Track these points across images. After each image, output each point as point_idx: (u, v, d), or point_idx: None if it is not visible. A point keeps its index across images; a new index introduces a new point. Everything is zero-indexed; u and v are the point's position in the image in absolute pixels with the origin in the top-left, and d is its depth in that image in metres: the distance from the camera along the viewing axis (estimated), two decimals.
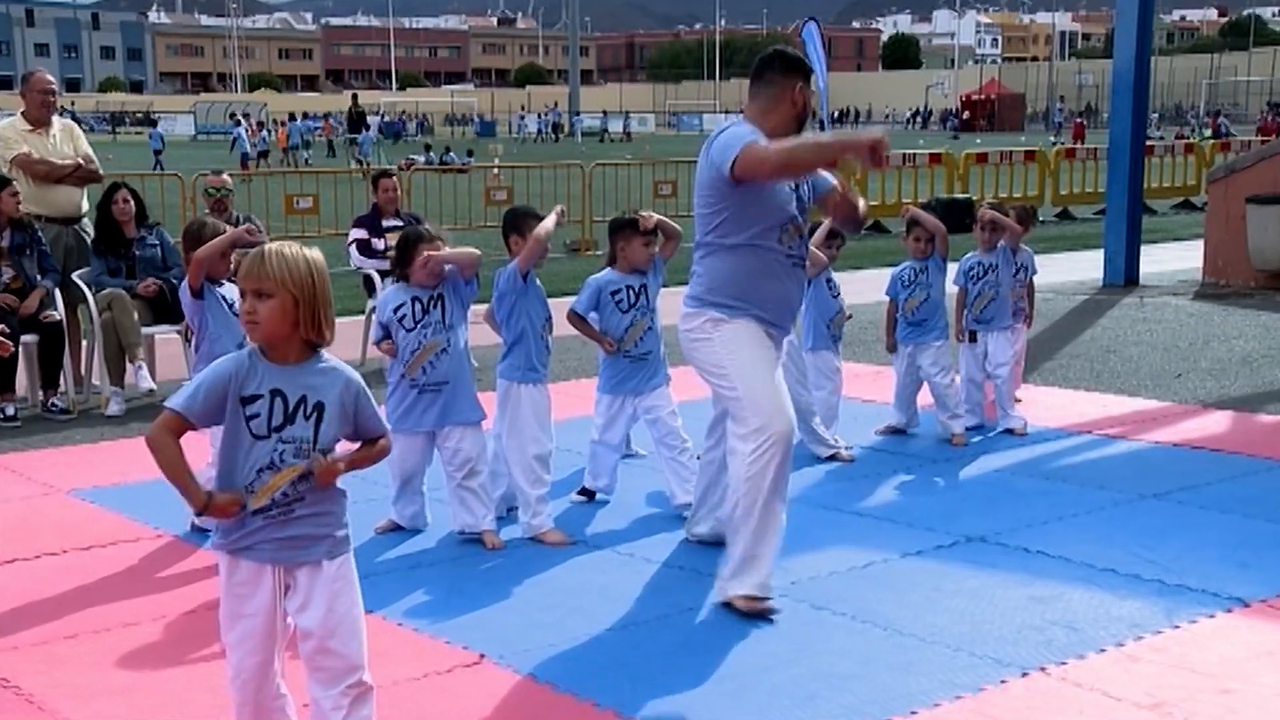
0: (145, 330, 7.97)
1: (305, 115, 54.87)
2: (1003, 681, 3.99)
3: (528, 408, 5.34)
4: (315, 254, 3.14)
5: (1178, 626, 4.38)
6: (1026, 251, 7.42)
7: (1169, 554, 5.02)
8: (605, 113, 73.58)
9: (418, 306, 5.12)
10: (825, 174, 4.71)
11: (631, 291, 5.73)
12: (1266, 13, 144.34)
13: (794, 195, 4.61)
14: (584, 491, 5.94)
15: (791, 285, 4.66)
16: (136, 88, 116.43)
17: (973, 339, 7.09)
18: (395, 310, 5.14)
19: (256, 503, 3.11)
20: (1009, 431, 7.02)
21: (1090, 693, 3.86)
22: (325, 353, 3.20)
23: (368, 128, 42.15)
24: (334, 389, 3.15)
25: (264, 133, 46.97)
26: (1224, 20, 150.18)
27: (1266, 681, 4.01)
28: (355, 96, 49.52)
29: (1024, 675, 4.04)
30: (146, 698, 3.98)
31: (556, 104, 72.99)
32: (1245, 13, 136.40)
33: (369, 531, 5.29)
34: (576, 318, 5.77)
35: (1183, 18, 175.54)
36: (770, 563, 4.50)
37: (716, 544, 4.84)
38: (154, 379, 7.85)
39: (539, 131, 65.21)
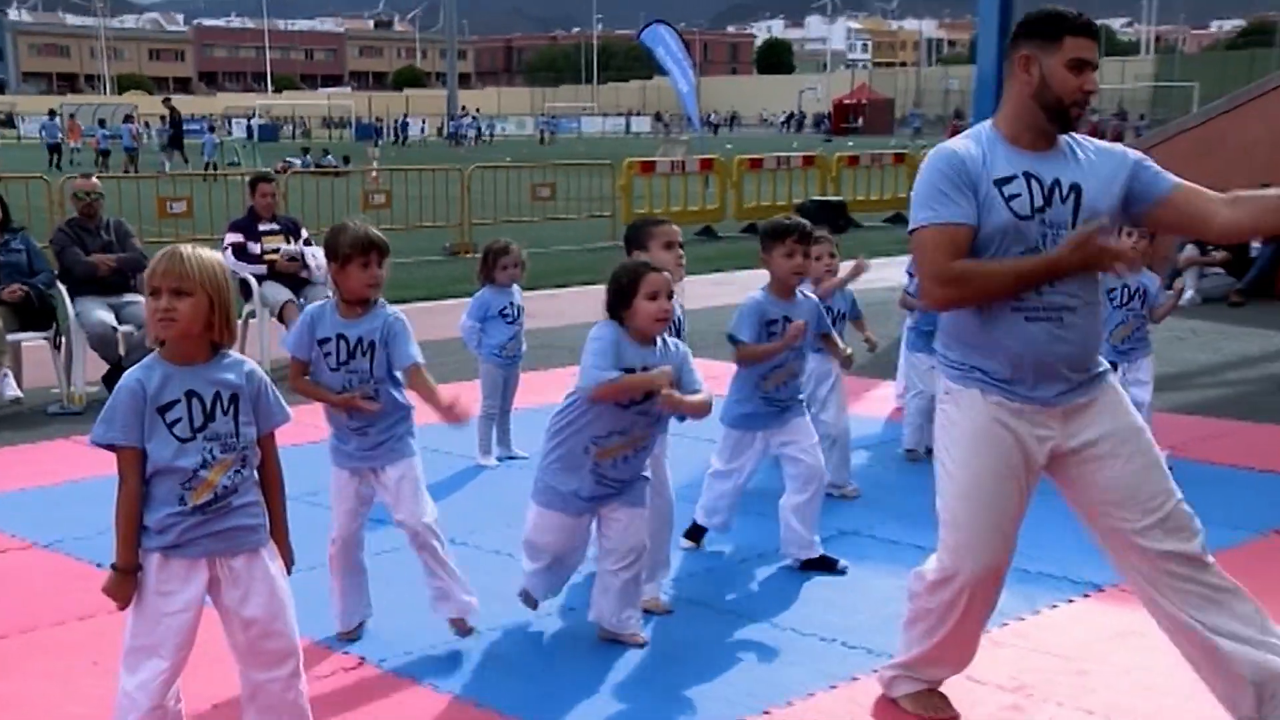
0: (10, 337, 7.82)
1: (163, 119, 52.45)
2: (874, 670, 4.07)
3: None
4: (219, 257, 3.21)
5: (1038, 612, 4.54)
6: None
7: (1030, 543, 5.13)
8: (463, 111, 73.05)
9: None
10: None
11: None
12: (1116, 24, 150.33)
13: None
14: (692, 533, 5.27)
15: None
16: None
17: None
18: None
19: (198, 499, 3.12)
20: None
21: (956, 677, 3.96)
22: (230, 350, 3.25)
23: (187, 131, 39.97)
24: (240, 380, 3.20)
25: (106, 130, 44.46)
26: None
27: (1118, 661, 4.18)
28: (168, 100, 45.20)
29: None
30: (19, 711, 3.89)
31: (464, 110, 71.58)
32: (1101, 21, 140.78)
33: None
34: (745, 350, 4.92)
35: None
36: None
37: None
38: (20, 387, 7.72)
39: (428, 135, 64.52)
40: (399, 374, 4.20)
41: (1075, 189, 3.40)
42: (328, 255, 4.20)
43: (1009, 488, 3.52)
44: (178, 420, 3.12)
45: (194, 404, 3.13)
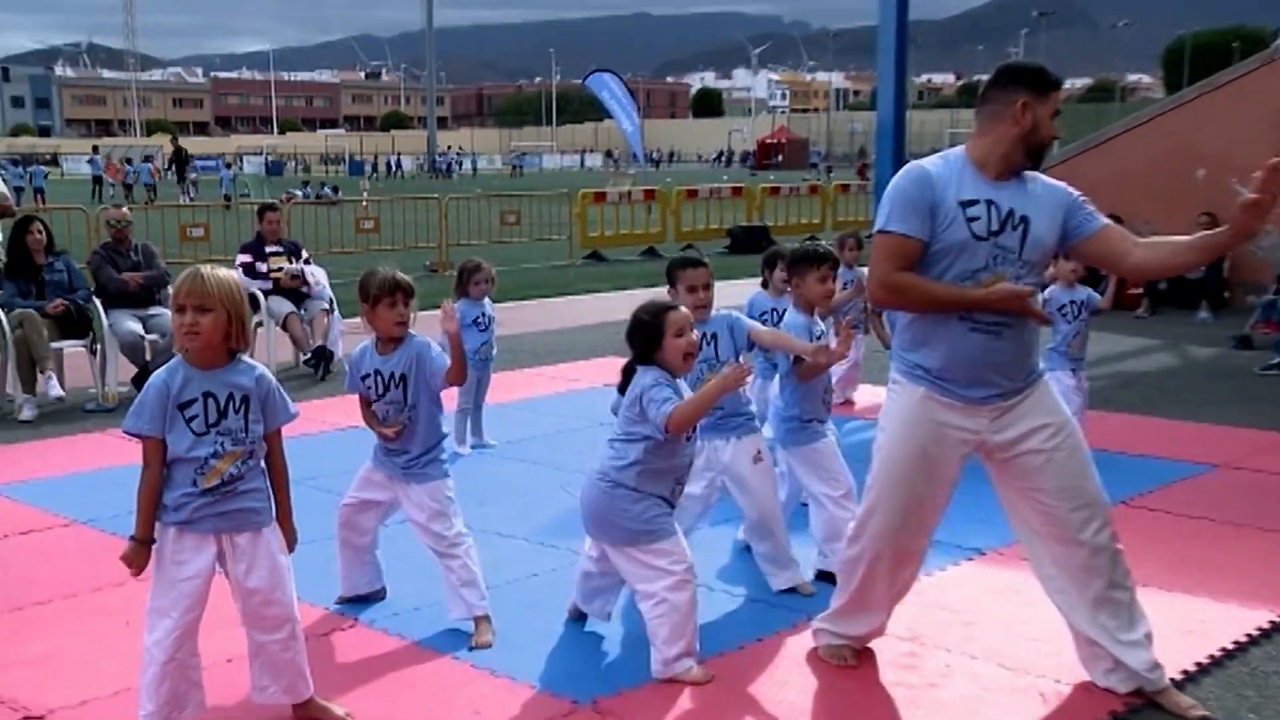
0: (54, 345, 7.88)
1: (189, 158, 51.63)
2: (777, 632, 4.05)
3: None
4: (234, 276, 3.20)
5: (930, 574, 4.51)
6: (860, 271, 7.57)
7: None
8: (448, 149, 72.69)
9: None
10: None
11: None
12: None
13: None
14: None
15: None
16: (45, 132, 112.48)
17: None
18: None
19: (208, 483, 3.12)
20: None
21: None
22: (243, 357, 3.24)
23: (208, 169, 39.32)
24: (251, 384, 3.18)
25: (131, 168, 43.89)
26: (960, 83, 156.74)
27: (998, 614, 4.21)
28: (175, 138, 44.63)
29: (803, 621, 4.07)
30: (63, 665, 3.82)
31: (449, 147, 70.73)
32: (975, 78, 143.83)
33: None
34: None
35: (929, 80, 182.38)
36: None
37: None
38: (62, 387, 7.76)
39: (419, 168, 64.03)
40: (440, 381, 3.98)
41: (1024, 220, 3.38)
42: (360, 296, 4.02)
43: (927, 470, 3.48)
44: (195, 417, 3.11)
45: (209, 403, 3.12)
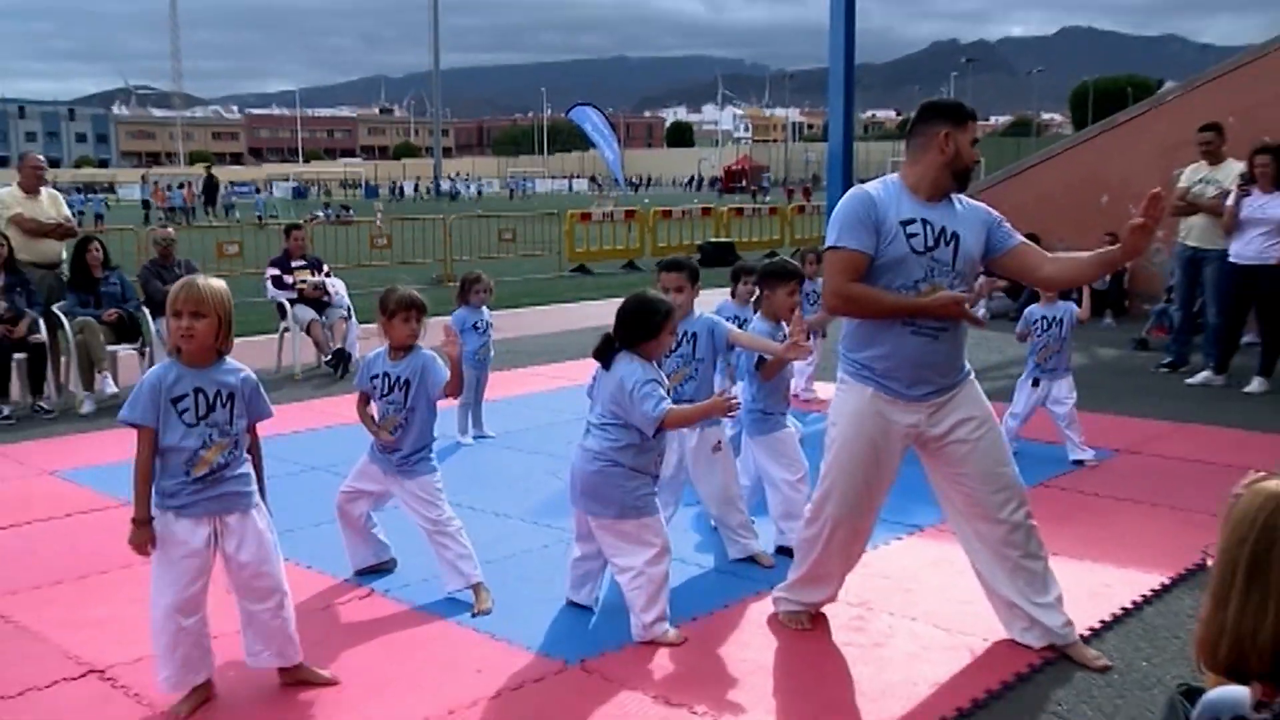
0: (110, 348, 7.96)
1: (227, 185, 51.72)
2: (743, 599, 4.06)
3: None
4: (225, 285, 3.16)
5: (875, 547, 4.50)
6: (819, 281, 7.46)
7: None
8: (454, 176, 72.32)
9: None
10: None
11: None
12: None
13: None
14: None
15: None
16: (103, 164, 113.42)
17: (1035, 384, 6.08)
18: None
19: (198, 472, 3.07)
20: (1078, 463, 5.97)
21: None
22: (228, 357, 3.20)
23: (258, 191, 40.07)
24: (237, 382, 3.15)
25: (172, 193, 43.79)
26: (900, 118, 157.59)
27: (934, 581, 4.22)
28: (209, 167, 45.59)
29: (765, 590, 4.08)
30: (120, 627, 3.81)
31: (457, 174, 70.24)
32: (913, 114, 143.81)
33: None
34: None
35: (873, 116, 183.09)
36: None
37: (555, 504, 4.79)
38: (116, 385, 7.83)
39: (429, 191, 63.64)
40: (439, 392, 3.96)
41: (955, 236, 3.39)
42: (380, 309, 4.02)
43: (875, 460, 3.49)
44: (186, 410, 3.08)
45: (199, 398, 3.09)
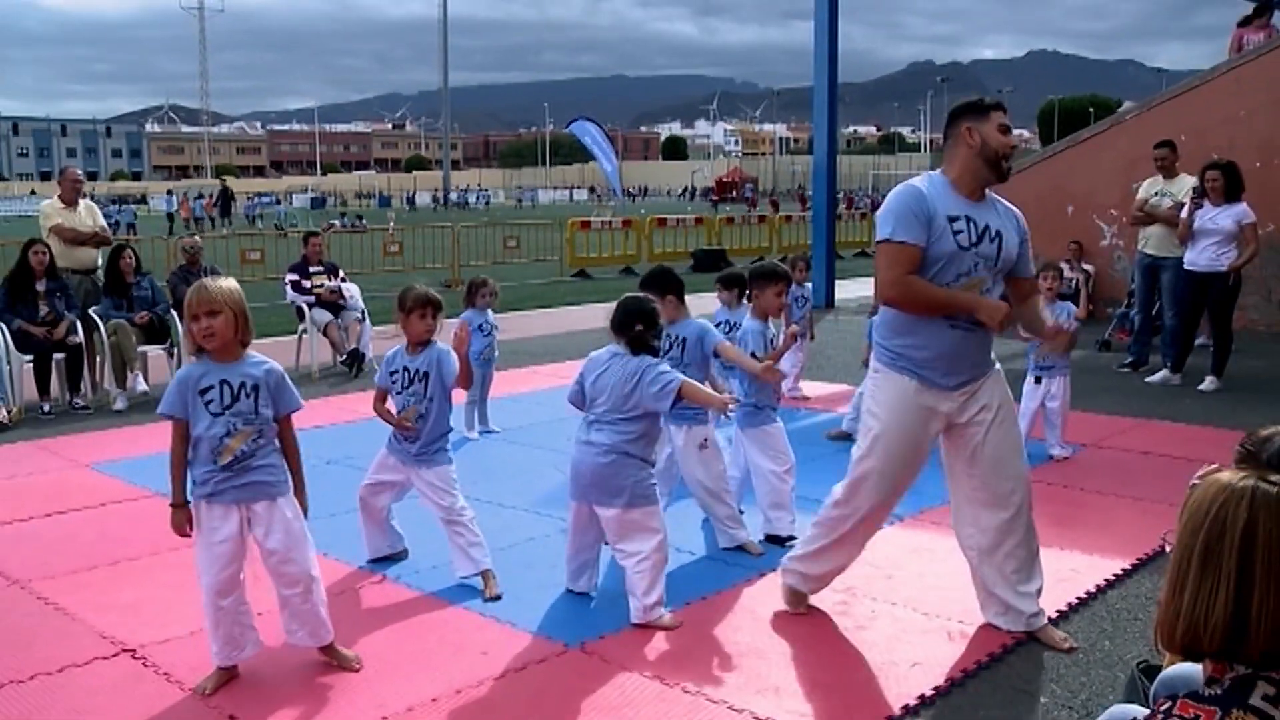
0: (141, 349, 7.98)
1: (250, 196, 51.69)
2: (734, 585, 4.05)
3: None
4: (234, 282, 3.17)
5: None
6: (807, 286, 7.62)
7: None
8: (463, 188, 72.19)
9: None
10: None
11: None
12: (905, 130, 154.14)
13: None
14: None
15: None
16: (136, 177, 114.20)
17: (1037, 381, 6.02)
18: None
19: (224, 460, 3.08)
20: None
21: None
22: (252, 351, 3.20)
23: (283, 201, 40.07)
24: (261, 374, 3.15)
25: (196, 203, 43.80)
26: (880, 133, 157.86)
27: (914, 569, 4.22)
28: (223, 180, 45.95)
29: (755, 576, 4.10)
30: (149, 609, 3.81)
31: (467, 186, 69.97)
32: (892, 129, 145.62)
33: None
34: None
35: (855, 131, 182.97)
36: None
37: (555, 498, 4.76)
38: (146, 383, 7.87)
39: (439, 203, 63.65)
40: (450, 383, 3.98)
41: (998, 234, 3.35)
42: (398, 306, 4.04)
43: (914, 447, 3.44)
44: (211, 400, 3.09)
45: (224, 389, 3.10)
